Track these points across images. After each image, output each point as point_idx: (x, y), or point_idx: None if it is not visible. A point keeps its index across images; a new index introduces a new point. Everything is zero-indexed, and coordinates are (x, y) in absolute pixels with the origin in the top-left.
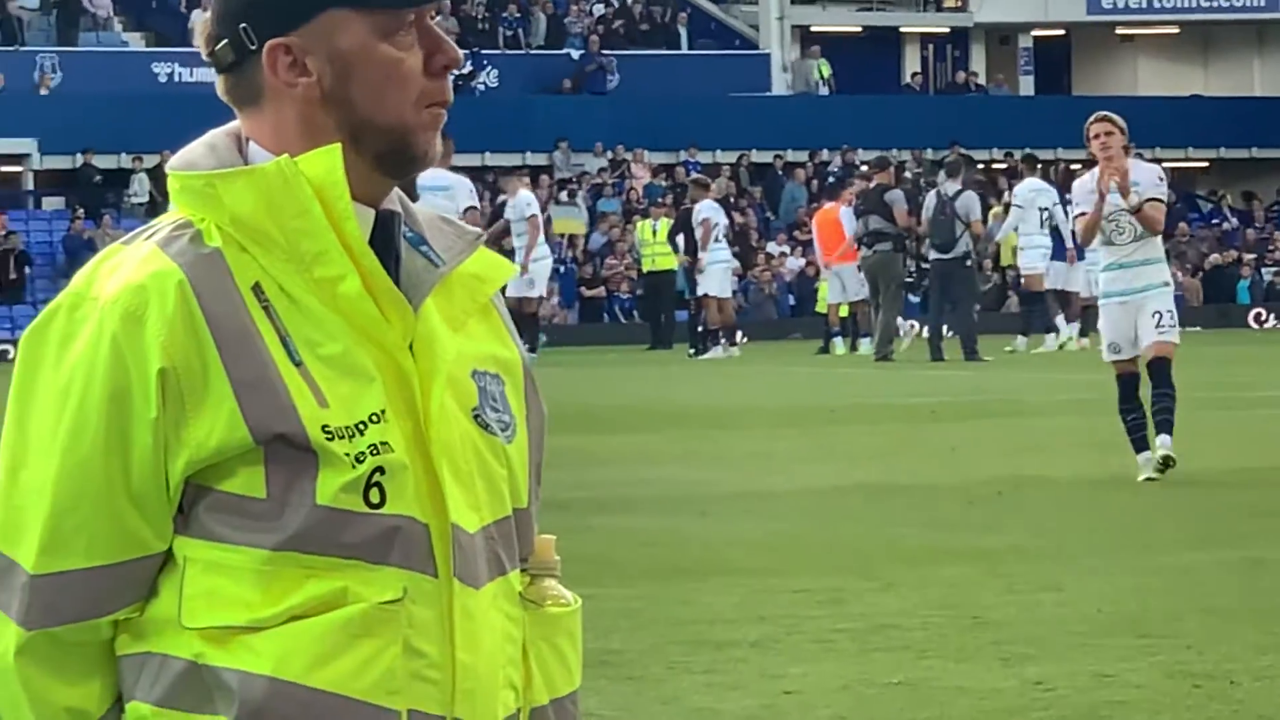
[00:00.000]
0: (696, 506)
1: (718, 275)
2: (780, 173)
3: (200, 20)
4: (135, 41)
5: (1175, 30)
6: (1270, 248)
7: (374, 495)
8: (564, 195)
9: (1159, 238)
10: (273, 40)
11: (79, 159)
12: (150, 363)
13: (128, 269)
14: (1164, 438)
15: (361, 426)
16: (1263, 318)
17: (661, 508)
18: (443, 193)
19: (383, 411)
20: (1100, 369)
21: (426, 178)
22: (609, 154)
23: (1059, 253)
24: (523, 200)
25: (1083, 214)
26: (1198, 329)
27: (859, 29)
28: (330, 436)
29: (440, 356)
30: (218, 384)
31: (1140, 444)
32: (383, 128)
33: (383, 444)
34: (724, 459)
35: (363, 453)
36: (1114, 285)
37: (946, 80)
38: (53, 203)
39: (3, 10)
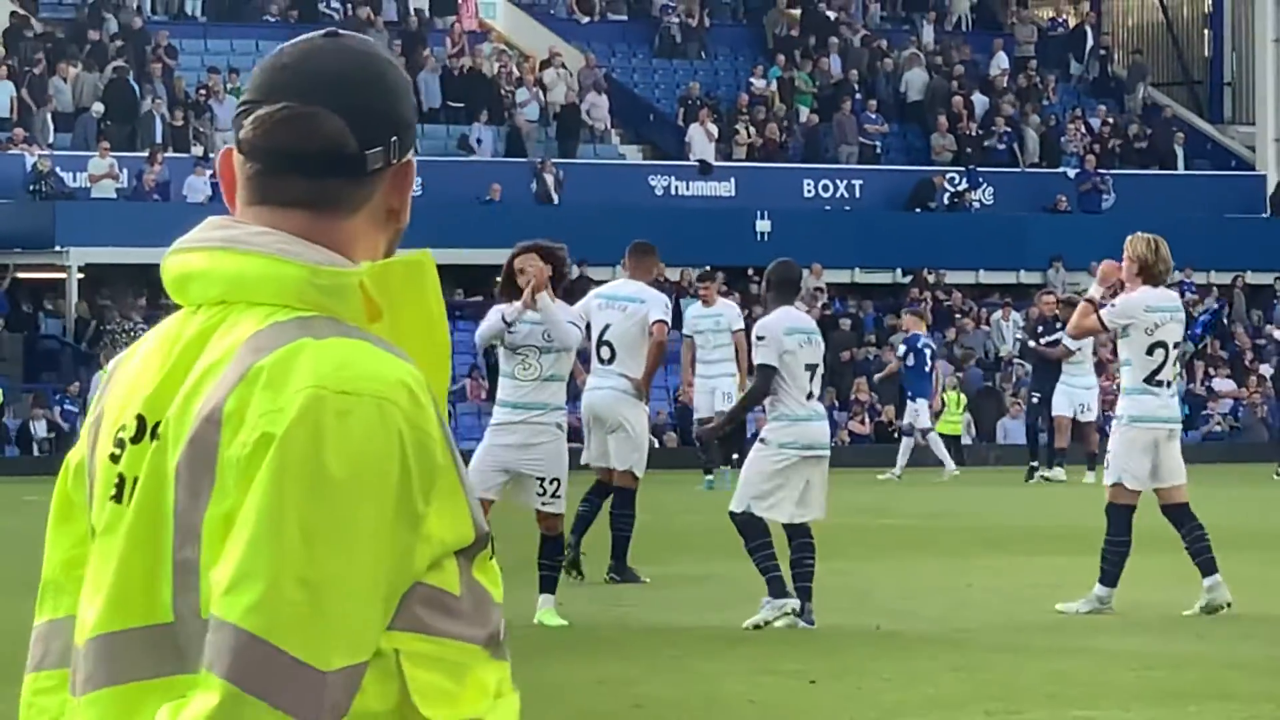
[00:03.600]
0: (1193, 629)
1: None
2: None
3: (324, 118)
4: (632, 154)
5: None
6: None
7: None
8: None
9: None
10: (407, 159)
11: (574, 270)
12: (430, 458)
13: (366, 363)
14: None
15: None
16: None
17: (1153, 628)
18: (634, 304)
19: None
20: None
21: (618, 287)
22: None
23: None
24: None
25: None
26: None
27: None
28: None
29: None
30: (457, 482)
31: None
32: (397, 238)
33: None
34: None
35: (494, 546)
36: None
37: None
38: None
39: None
